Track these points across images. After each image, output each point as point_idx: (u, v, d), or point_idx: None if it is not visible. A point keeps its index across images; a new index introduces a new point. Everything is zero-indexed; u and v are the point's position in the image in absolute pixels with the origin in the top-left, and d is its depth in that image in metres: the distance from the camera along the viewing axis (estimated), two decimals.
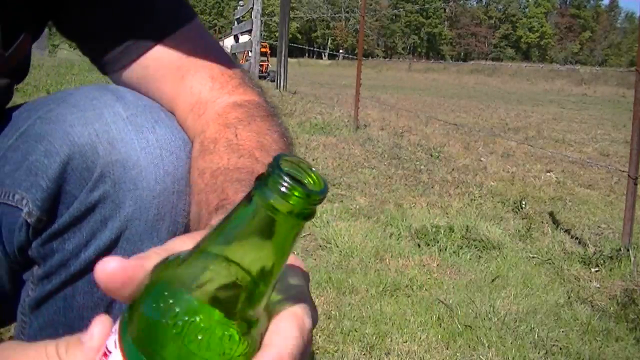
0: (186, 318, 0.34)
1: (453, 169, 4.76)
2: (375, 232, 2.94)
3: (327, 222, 3.00)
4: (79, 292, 0.66)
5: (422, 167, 4.73)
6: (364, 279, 2.36)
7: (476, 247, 2.83)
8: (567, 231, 3.25)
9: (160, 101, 0.73)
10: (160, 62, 0.74)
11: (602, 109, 13.87)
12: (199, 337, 0.34)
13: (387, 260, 2.60)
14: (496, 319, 2.09)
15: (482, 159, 5.46)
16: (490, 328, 2.02)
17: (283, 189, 0.33)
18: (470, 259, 2.71)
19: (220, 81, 0.74)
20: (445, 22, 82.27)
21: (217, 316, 0.35)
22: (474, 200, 3.80)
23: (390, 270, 2.49)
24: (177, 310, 0.34)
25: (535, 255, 2.82)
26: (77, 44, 0.79)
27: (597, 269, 2.65)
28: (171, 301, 0.34)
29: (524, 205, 3.69)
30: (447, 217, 3.30)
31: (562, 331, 2.06)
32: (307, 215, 0.34)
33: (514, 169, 5.04)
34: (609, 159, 6.03)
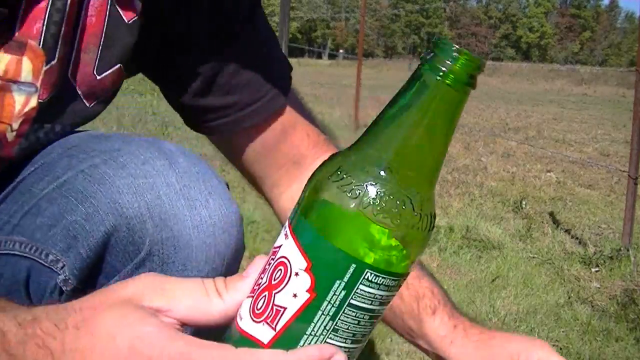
0: (366, 188, 0.36)
1: (453, 169, 4.76)
2: None
3: None
4: None
5: None
6: None
7: (476, 247, 2.83)
8: (567, 231, 3.25)
9: (253, 145, 0.76)
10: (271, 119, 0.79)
11: (602, 109, 13.86)
12: (381, 206, 0.36)
13: None
14: (496, 319, 2.09)
15: (482, 159, 5.46)
16: (490, 328, 2.02)
17: (453, 56, 0.36)
18: (470, 259, 2.71)
19: (313, 139, 0.82)
20: (445, 22, 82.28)
21: (395, 188, 0.37)
22: (474, 200, 3.80)
23: None
24: (358, 184, 0.36)
25: (536, 255, 2.82)
26: (175, 97, 0.77)
27: (597, 269, 2.65)
28: (351, 178, 0.37)
29: (524, 205, 3.69)
30: (447, 217, 3.30)
31: (562, 331, 2.06)
32: (472, 82, 0.37)
33: (514, 169, 5.04)
34: (609, 159, 6.03)
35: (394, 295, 0.41)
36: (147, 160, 0.61)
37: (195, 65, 0.76)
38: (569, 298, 2.36)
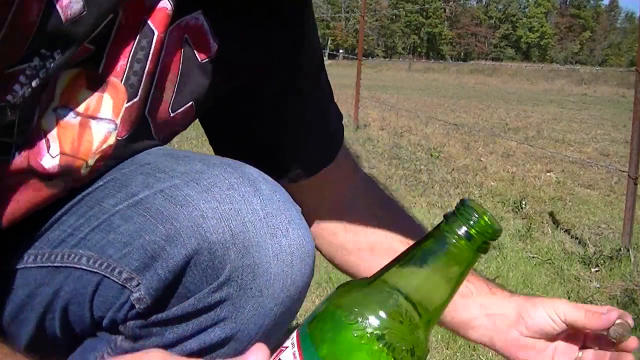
0: (371, 331, 0.40)
1: (453, 169, 4.76)
2: None
3: None
4: None
5: (422, 167, 4.73)
6: None
7: None
8: (567, 231, 3.25)
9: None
10: None
11: (602, 109, 13.87)
12: (380, 350, 0.40)
13: None
14: None
15: (482, 159, 5.46)
16: None
17: (471, 222, 0.40)
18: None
19: (354, 165, 0.91)
20: (445, 22, 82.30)
21: (400, 332, 0.40)
22: (474, 200, 3.80)
23: None
24: (365, 325, 0.40)
25: (535, 255, 2.82)
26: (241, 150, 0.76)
27: (597, 269, 2.65)
28: (359, 318, 0.40)
29: (524, 205, 3.69)
30: None
31: None
32: (485, 248, 0.41)
33: (514, 169, 5.04)
34: (609, 159, 6.03)
35: None
36: (232, 186, 0.61)
37: (256, 116, 0.78)
38: (569, 298, 2.36)
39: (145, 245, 0.58)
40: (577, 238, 3.12)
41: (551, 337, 0.76)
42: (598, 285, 2.50)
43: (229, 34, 0.68)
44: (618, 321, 0.69)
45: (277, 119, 0.79)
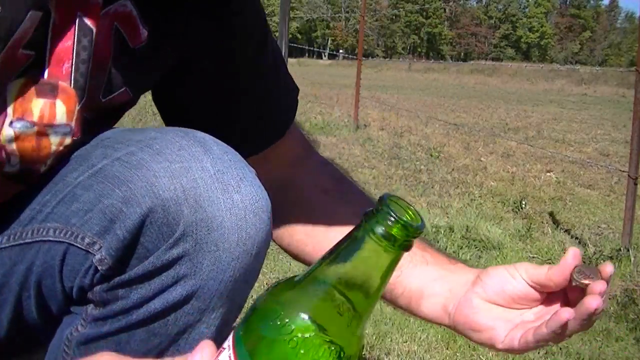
0: (299, 335, 0.40)
1: (453, 169, 4.76)
2: None
3: None
4: (135, 340, 0.64)
5: (422, 167, 4.73)
6: None
7: (476, 247, 2.83)
8: (567, 231, 3.25)
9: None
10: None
11: (602, 109, 13.87)
12: (309, 352, 0.40)
13: None
14: None
15: (482, 159, 5.46)
16: None
17: (389, 222, 0.40)
18: (470, 259, 2.71)
19: (304, 145, 0.92)
20: (445, 22, 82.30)
21: (324, 336, 0.41)
22: (474, 200, 3.80)
23: None
24: (293, 328, 0.41)
25: (535, 255, 2.82)
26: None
27: None
28: (287, 320, 0.41)
29: (524, 205, 3.69)
30: (447, 217, 3.30)
31: None
32: (407, 246, 0.41)
33: (514, 169, 5.04)
34: (609, 159, 6.03)
35: None
36: (183, 147, 0.64)
37: (199, 90, 0.79)
38: None
39: (104, 209, 0.61)
40: (577, 238, 3.12)
41: (515, 305, 0.69)
42: None
43: (157, 20, 0.70)
44: (578, 268, 0.66)
45: (214, 97, 0.80)
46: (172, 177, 0.61)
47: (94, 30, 0.63)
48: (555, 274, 0.67)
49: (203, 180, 0.62)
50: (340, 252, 0.42)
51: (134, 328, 0.64)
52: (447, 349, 1.90)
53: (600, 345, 1.98)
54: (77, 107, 0.64)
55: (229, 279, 0.63)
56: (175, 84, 0.80)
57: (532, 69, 29.41)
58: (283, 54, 9.97)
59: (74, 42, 0.62)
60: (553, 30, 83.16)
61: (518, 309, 0.70)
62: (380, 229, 0.41)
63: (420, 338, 1.93)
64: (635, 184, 2.92)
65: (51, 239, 0.64)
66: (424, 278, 0.75)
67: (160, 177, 0.61)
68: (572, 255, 0.67)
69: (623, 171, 3.35)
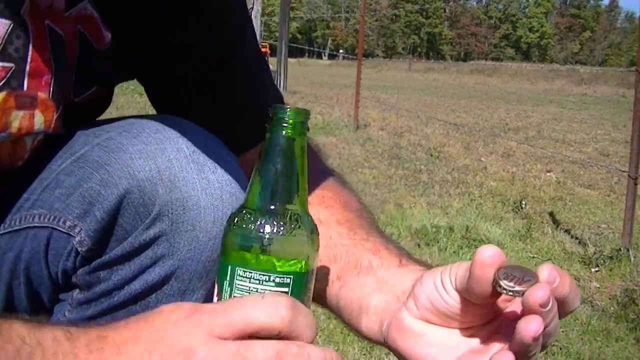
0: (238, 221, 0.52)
1: (453, 169, 4.76)
2: None
3: None
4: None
5: (422, 167, 4.73)
6: None
7: (476, 247, 2.81)
8: (567, 231, 3.26)
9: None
10: None
11: (602, 109, 13.87)
12: (239, 225, 0.52)
13: None
14: None
15: (482, 159, 5.46)
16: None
17: (285, 116, 0.51)
18: (470, 259, 2.70)
19: None
20: (445, 22, 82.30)
21: (266, 211, 0.51)
22: (474, 200, 3.80)
23: None
24: (239, 219, 0.52)
25: (535, 255, 2.82)
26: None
27: (597, 269, 2.65)
28: (237, 219, 0.52)
29: (524, 205, 3.69)
30: (447, 217, 3.30)
31: (562, 331, 2.06)
32: (306, 129, 0.52)
33: (514, 169, 5.05)
34: (609, 159, 6.03)
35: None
36: (159, 130, 0.65)
37: (181, 87, 0.78)
38: None
39: (84, 193, 0.63)
40: (577, 238, 3.12)
41: (456, 323, 0.52)
42: (598, 285, 2.50)
43: (119, 22, 0.70)
44: (503, 271, 0.47)
45: (194, 93, 0.79)
46: (147, 158, 0.62)
47: (63, 36, 0.65)
48: (472, 283, 0.48)
49: (178, 161, 0.63)
50: (263, 158, 0.52)
51: (116, 310, 0.65)
52: None
53: (600, 345, 1.98)
54: (55, 116, 0.65)
55: (207, 259, 0.64)
56: (157, 81, 0.79)
57: (532, 69, 29.41)
58: (283, 54, 9.98)
59: (49, 51, 0.63)
60: (553, 30, 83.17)
61: (464, 327, 0.52)
62: (280, 123, 0.51)
63: None
64: (635, 184, 2.92)
65: (37, 224, 0.65)
66: (364, 289, 0.62)
67: (136, 159, 0.62)
68: (489, 254, 0.48)
69: (623, 171, 3.35)
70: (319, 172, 0.80)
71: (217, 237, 0.63)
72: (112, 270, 0.64)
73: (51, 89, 0.64)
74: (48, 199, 0.65)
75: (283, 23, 10.09)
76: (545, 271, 0.47)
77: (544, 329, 0.44)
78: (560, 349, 1.94)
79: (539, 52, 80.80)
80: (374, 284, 0.61)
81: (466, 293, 0.50)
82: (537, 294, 0.44)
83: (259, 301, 0.46)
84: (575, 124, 9.50)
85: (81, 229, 0.63)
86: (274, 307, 0.45)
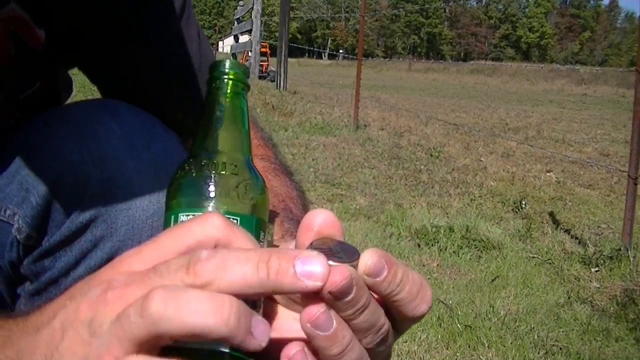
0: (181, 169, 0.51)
1: (453, 169, 4.76)
2: (375, 232, 2.94)
3: None
4: None
5: (422, 167, 4.73)
6: None
7: (476, 247, 2.83)
8: (567, 231, 3.26)
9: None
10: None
11: (602, 109, 13.87)
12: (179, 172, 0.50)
13: None
14: (496, 319, 2.09)
15: (482, 159, 5.46)
16: (490, 328, 2.02)
17: (226, 68, 0.52)
18: (470, 259, 2.71)
19: None
20: (445, 22, 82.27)
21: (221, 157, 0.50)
22: (474, 200, 3.80)
23: None
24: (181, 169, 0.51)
25: (535, 255, 2.82)
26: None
27: (597, 269, 2.65)
28: (180, 169, 0.50)
29: (524, 205, 3.69)
30: (447, 217, 3.30)
31: (562, 331, 2.06)
32: (243, 80, 0.52)
33: (514, 169, 5.04)
34: (609, 159, 6.03)
35: None
36: (91, 113, 0.66)
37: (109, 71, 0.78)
38: (569, 298, 2.37)
39: (21, 180, 0.64)
40: (577, 238, 3.12)
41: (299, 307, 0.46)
42: (598, 285, 2.50)
43: (49, 20, 0.71)
44: (316, 243, 0.41)
45: (125, 79, 0.78)
46: (78, 141, 0.63)
47: None
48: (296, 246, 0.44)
49: (108, 142, 0.63)
50: (207, 113, 0.51)
51: None
52: (447, 349, 1.90)
53: (600, 345, 1.98)
54: None
55: (147, 238, 0.63)
56: (94, 69, 0.79)
57: (532, 69, 29.41)
58: (283, 54, 9.98)
59: None
60: (553, 30, 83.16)
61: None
62: (223, 74, 0.51)
63: (420, 338, 1.93)
64: (635, 184, 2.92)
65: None
66: None
67: (67, 143, 0.63)
68: (317, 216, 0.42)
69: (623, 171, 3.35)
70: (257, 158, 0.79)
71: (155, 216, 0.63)
72: (55, 257, 0.64)
73: None
74: None
75: (283, 23, 10.08)
76: (368, 258, 0.38)
77: (349, 322, 0.38)
78: (560, 349, 1.94)
79: (539, 52, 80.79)
80: None
81: None
82: (334, 277, 0.36)
83: (195, 222, 0.40)
84: (575, 124, 9.50)
85: (19, 217, 0.63)
86: (205, 220, 0.39)
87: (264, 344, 0.35)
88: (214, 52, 0.90)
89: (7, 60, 0.68)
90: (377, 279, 0.38)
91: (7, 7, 0.67)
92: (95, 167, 0.62)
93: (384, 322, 0.40)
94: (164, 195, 0.61)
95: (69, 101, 0.81)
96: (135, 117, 0.67)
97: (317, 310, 0.37)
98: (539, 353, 1.90)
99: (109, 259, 0.63)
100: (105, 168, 0.62)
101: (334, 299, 0.37)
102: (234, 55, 14.99)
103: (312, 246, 0.40)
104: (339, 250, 0.39)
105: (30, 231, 0.63)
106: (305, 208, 0.71)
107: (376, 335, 0.40)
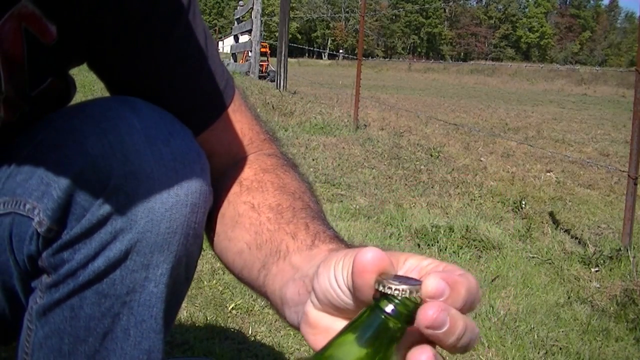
0: None
1: (453, 169, 4.76)
2: (375, 232, 2.94)
3: None
4: (87, 303, 0.65)
5: (422, 167, 4.73)
6: None
7: (476, 247, 2.83)
8: (567, 231, 3.26)
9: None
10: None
11: (602, 109, 13.87)
12: None
13: None
14: (496, 319, 2.09)
15: (482, 159, 5.46)
16: (490, 328, 2.02)
17: (397, 301, 0.43)
18: (470, 259, 2.71)
19: (249, 136, 0.81)
20: (445, 22, 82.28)
21: None
22: (474, 200, 3.80)
23: None
24: None
25: (535, 255, 2.82)
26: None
27: (597, 269, 2.65)
28: None
29: (524, 205, 3.69)
30: (447, 217, 3.30)
31: (562, 331, 2.06)
32: (410, 320, 0.43)
33: (514, 169, 5.04)
34: (609, 159, 6.03)
35: None
36: (111, 108, 0.67)
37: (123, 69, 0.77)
38: (569, 298, 2.37)
39: (42, 175, 0.65)
40: (577, 238, 3.12)
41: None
42: (598, 285, 2.50)
43: (61, 15, 0.71)
44: (384, 280, 0.43)
45: (135, 77, 0.78)
46: (99, 135, 0.64)
47: (2, 35, 0.67)
48: (355, 287, 0.45)
49: (130, 136, 0.64)
50: (352, 332, 0.44)
51: (83, 290, 0.65)
52: None
53: (600, 345, 1.98)
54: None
55: (166, 230, 0.65)
56: (105, 67, 0.79)
57: (532, 69, 29.40)
58: (283, 54, 9.98)
59: None
60: (553, 30, 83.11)
61: None
62: (389, 307, 0.43)
63: None
64: (635, 184, 2.92)
65: (1, 212, 0.67)
66: (283, 277, 0.59)
67: (88, 137, 0.64)
68: (369, 257, 0.44)
69: (623, 171, 3.35)
70: (266, 155, 0.79)
71: (173, 208, 0.64)
72: (74, 250, 0.64)
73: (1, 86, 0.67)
74: (11, 186, 0.67)
75: (283, 23, 10.08)
76: (432, 284, 0.42)
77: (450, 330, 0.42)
78: (560, 349, 1.94)
79: (538, 52, 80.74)
80: (289, 270, 0.59)
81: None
82: (427, 313, 0.41)
83: None
84: (575, 124, 9.50)
85: (40, 210, 0.64)
86: None
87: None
88: None
89: (19, 57, 0.69)
90: (445, 298, 0.43)
91: (20, 4, 0.68)
92: (116, 160, 0.63)
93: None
94: (182, 188, 0.63)
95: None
96: (153, 113, 0.68)
97: (432, 311, 0.41)
98: (538, 353, 1.90)
99: (127, 250, 0.64)
100: (126, 162, 0.63)
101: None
102: (234, 56, 15.00)
103: (381, 285, 0.43)
104: (404, 281, 0.44)
105: (51, 224, 0.64)
106: (317, 199, 0.74)
107: (468, 338, 0.44)
